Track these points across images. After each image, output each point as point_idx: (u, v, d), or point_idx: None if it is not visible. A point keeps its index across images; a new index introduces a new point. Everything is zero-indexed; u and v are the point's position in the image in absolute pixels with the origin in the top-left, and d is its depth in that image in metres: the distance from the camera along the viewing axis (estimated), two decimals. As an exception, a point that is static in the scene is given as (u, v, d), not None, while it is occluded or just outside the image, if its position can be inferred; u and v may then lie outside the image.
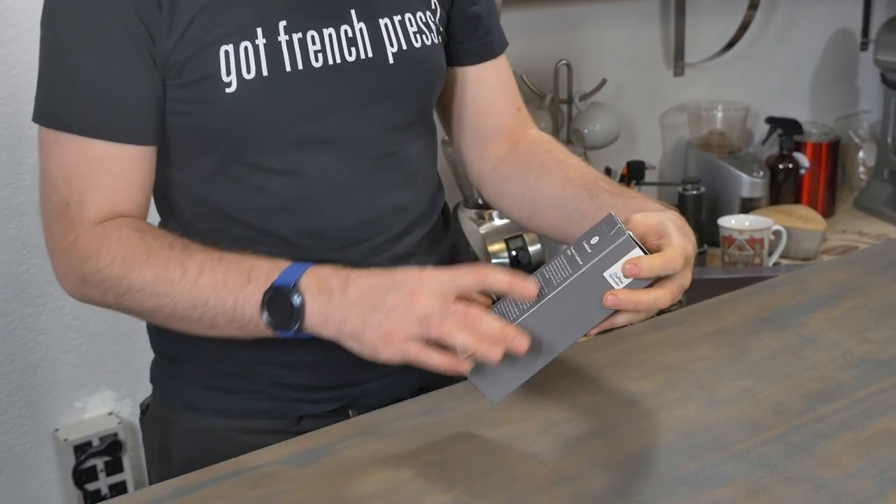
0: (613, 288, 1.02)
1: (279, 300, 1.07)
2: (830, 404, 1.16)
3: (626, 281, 1.02)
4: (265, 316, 1.08)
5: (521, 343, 1.01)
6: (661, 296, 1.05)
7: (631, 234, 1.03)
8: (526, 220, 1.37)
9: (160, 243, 1.12)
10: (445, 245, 1.36)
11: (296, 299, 1.06)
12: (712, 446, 1.09)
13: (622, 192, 1.26)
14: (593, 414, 1.15)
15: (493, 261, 2.13)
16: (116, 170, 1.14)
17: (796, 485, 1.01)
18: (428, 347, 1.03)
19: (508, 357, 1.02)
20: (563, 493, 1.01)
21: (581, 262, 1.02)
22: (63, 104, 1.14)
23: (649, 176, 2.62)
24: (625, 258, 1.02)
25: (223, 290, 1.09)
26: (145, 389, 1.38)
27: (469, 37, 1.34)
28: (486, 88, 1.37)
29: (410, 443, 1.11)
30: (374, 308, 1.04)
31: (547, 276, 1.05)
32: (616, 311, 1.05)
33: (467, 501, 1.00)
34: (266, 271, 1.09)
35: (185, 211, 1.22)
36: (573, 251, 1.05)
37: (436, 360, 1.03)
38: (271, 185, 1.19)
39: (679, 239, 1.08)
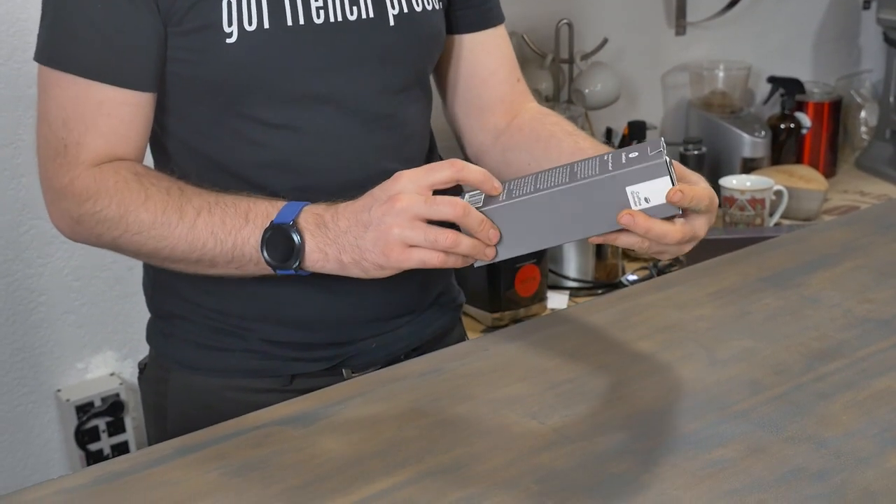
0: (630, 206, 1.00)
1: (278, 238, 1.08)
2: (831, 364, 1.16)
3: (645, 205, 1.00)
4: (265, 254, 1.08)
5: (493, 235, 1.01)
6: (672, 231, 1.02)
7: (669, 160, 1.00)
8: None
9: (157, 187, 1.12)
10: None
11: (295, 237, 1.07)
12: (713, 406, 1.09)
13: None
14: (594, 374, 1.15)
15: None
16: (116, 114, 1.14)
17: (797, 444, 1.01)
18: (428, 248, 1.03)
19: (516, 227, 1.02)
20: (564, 453, 1.01)
21: (611, 168, 1.00)
22: (65, 45, 1.13)
23: (651, 136, 2.61)
24: (654, 181, 0.99)
25: (221, 231, 1.10)
26: (146, 350, 1.38)
27: (467, 3, 1.33)
28: (486, 56, 1.36)
29: (411, 403, 1.11)
30: (364, 227, 1.04)
31: (576, 168, 1.03)
32: (622, 230, 1.02)
33: (468, 462, 1.00)
34: (264, 211, 1.09)
35: (180, 163, 1.22)
36: (609, 157, 1.03)
37: (437, 259, 1.03)
38: (267, 140, 1.18)
39: (708, 187, 1.06)
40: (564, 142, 1.29)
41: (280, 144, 1.19)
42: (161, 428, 1.30)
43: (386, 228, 1.02)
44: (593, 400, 1.10)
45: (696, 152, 2.44)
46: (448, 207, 1.01)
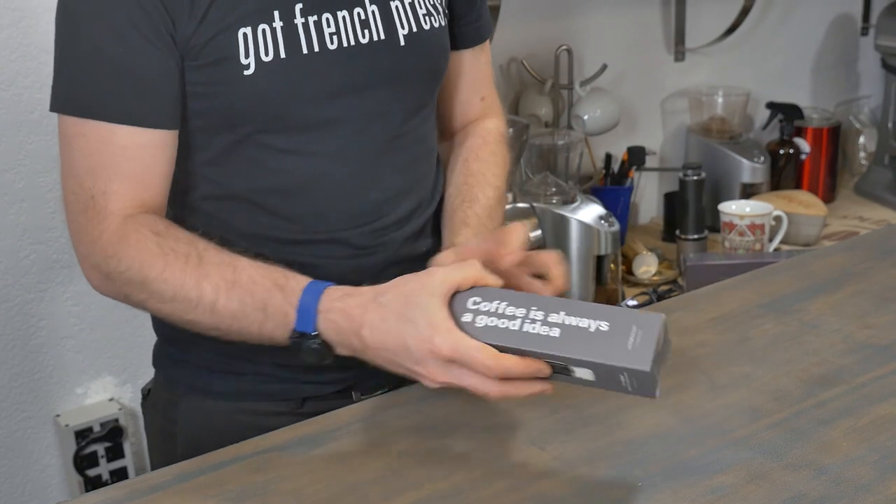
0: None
1: (306, 349, 1.08)
2: (831, 390, 1.16)
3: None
4: (300, 355, 1.08)
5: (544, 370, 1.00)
6: None
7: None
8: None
9: (176, 253, 1.11)
10: None
11: (319, 347, 1.07)
12: (713, 432, 1.09)
13: (488, 217, 1.29)
14: (593, 400, 1.15)
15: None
16: (139, 157, 1.14)
17: (797, 471, 1.01)
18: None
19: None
20: (564, 479, 1.01)
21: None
22: (86, 90, 1.13)
23: (650, 161, 2.62)
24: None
25: (244, 320, 1.10)
26: (146, 375, 1.38)
27: (462, 21, 1.34)
28: (461, 78, 1.38)
29: (411, 429, 1.11)
30: (395, 365, 1.04)
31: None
32: None
33: (467, 488, 1.00)
34: (280, 308, 1.08)
35: (194, 195, 1.22)
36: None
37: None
38: (282, 166, 1.19)
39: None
40: (466, 165, 1.34)
41: (295, 170, 1.19)
42: (170, 453, 1.29)
43: (421, 379, 1.03)
44: (593, 426, 1.10)
45: (695, 178, 2.45)
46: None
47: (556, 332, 0.98)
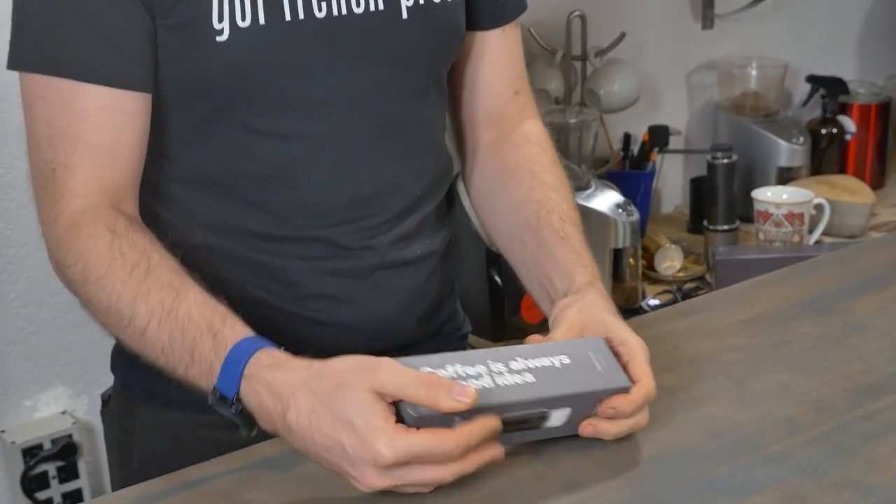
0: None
1: (225, 410, 1.06)
2: (879, 400, 1.16)
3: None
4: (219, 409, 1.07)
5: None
6: (628, 403, 1.08)
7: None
8: (484, 224, 1.39)
9: (123, 259, 1.11)
10: (447, 229, 1.36)
11: (239, 417, 1.05)
12: (745, 448, 1.09)
13: (564, 239, 1.26)
14: (610, 412, 1.15)
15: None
16: (105, 125, 1.14)
17: (840, 492, 1.01)
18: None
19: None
20: (575, 500, 1.01)
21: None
22: (48, 44, 1.13)
23: (674, 142, 2.62)
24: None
25: (171, 357, 1.09)
26: (103, 384, 1.38)
27: None
28: (486, 61, 1.36)
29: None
30: (324, 461, 1.01)
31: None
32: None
33: (467, 511, 1.00)
34: (207, 357, 1.07)
35: (159, 176, 1.22)
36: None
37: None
38: (260, 150, 1.19)
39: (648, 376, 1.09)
40: (521, 184, 1.32)
41: (274, 155, 1.19)
42: (126, 470, 1.30)
43: (356, 483, 1.00)
44: (609, 441, 1.10)
45: (725, 161, 2.45)
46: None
47: (530, 378, 1.03)
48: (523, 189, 1.31)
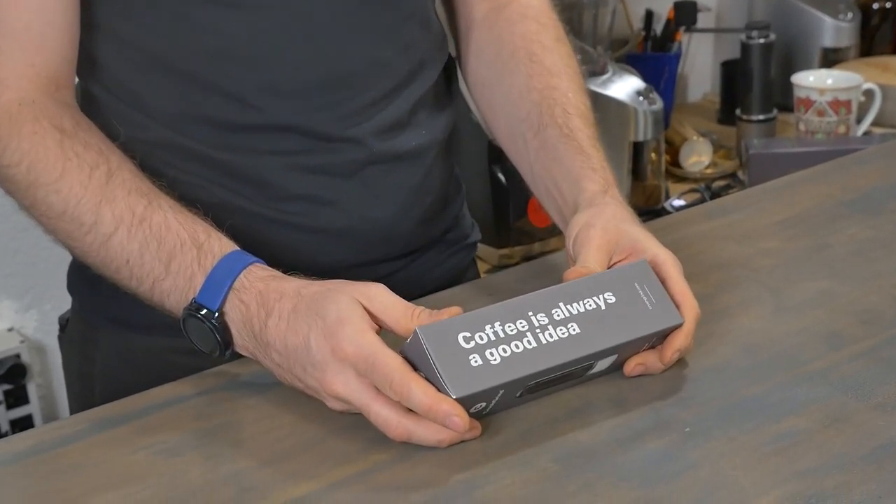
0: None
1: (199, 329, 1.07)
2: (933, 311, 1.17)
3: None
4: (185, 333, 1.09)
5: (457, 423, 0.97)
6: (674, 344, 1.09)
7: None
8: (485, 118, 1.38)
9: (80, 160, 1.11)
10: (448, 116, 1.35)
11: (214, 329, 1.06)
12: (781, 364, 1.10)
13: (569, 137, 1.25)
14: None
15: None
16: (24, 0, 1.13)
17: (889, 412, 1.02)
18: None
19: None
20: (590, 424, 1.02)
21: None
22: None
23: (703, 20, 2.60)
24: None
25: (138, 268, 1.10)
26: (56, 298, 1.39)
27: None
28: None
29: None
30: (290, 374, 1.03)
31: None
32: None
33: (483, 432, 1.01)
34: (188, 268, 1.08)
35: (108, 60, 1.21)
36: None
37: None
38: (219, 22, 1.17)
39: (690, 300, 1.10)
40: (519, 71, 1.31)
41: (236, 28, 1.17)
42: (87, 400, 1.30)
43: (319, 395, 1.02)
44: (628, 357, 1.11)
45: (761, 41, 2.44)
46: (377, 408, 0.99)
47: (575, 329, 1.03)
48: (522, 77, 1.30)
